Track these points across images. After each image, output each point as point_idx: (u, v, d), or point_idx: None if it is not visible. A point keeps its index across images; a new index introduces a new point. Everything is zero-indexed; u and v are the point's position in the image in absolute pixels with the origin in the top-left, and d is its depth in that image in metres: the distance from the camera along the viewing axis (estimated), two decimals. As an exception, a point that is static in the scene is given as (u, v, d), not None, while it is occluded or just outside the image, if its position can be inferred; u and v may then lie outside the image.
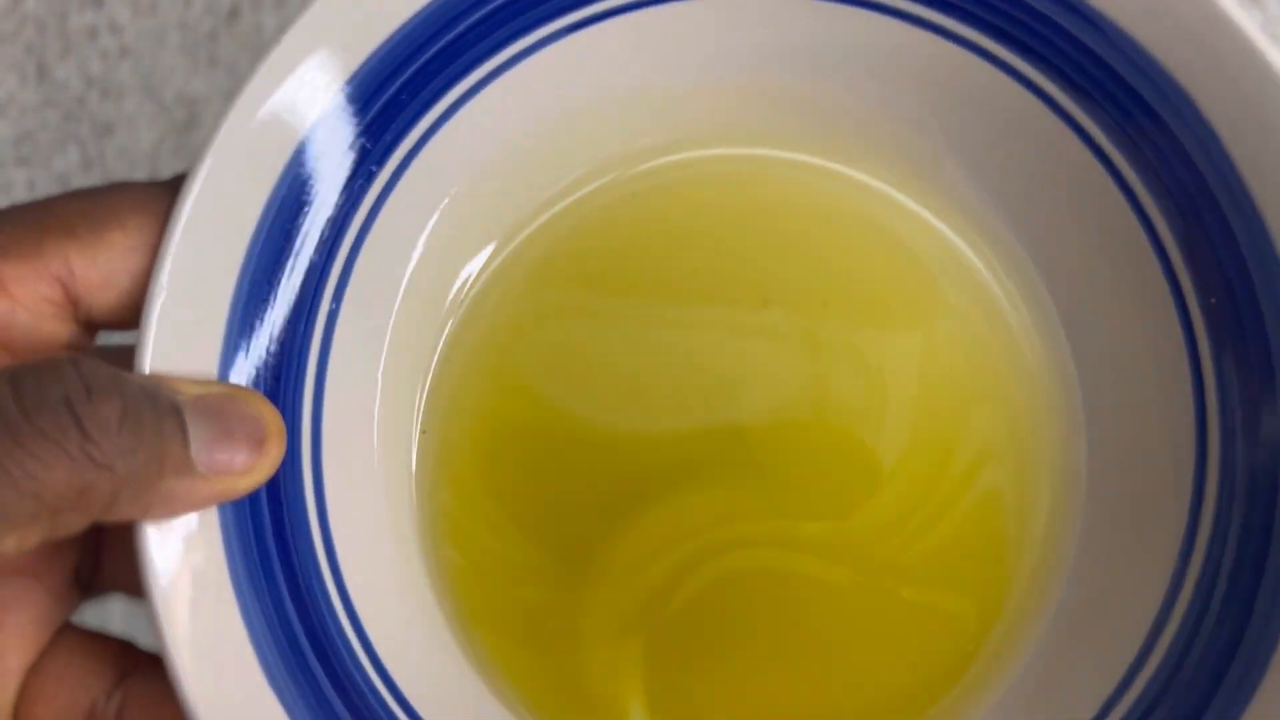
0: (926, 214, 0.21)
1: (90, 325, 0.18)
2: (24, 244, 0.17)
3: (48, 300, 0.17)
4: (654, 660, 0.20)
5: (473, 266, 0.22)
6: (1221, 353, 0.17)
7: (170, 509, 0.17)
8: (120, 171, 0.38)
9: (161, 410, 0.16)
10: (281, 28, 0.18)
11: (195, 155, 0.18)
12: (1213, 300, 0.17)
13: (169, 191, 0.18)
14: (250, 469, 0.17)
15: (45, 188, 0.38)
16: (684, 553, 0.21)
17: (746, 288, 0.21)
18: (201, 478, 0.16)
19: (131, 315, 0.18)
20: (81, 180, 0.38)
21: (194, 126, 0.38)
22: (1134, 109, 0.17)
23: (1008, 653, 0.20)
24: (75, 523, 0.15)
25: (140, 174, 0.38)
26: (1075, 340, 0.20)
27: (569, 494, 0.21)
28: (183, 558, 0.17)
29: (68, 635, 0.19)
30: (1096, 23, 0.17)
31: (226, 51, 0.39)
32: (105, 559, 0.21)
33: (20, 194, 0.38)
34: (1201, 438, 0.18)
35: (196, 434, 0.16)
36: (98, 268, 0.17)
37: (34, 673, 0.18)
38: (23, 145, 0.38)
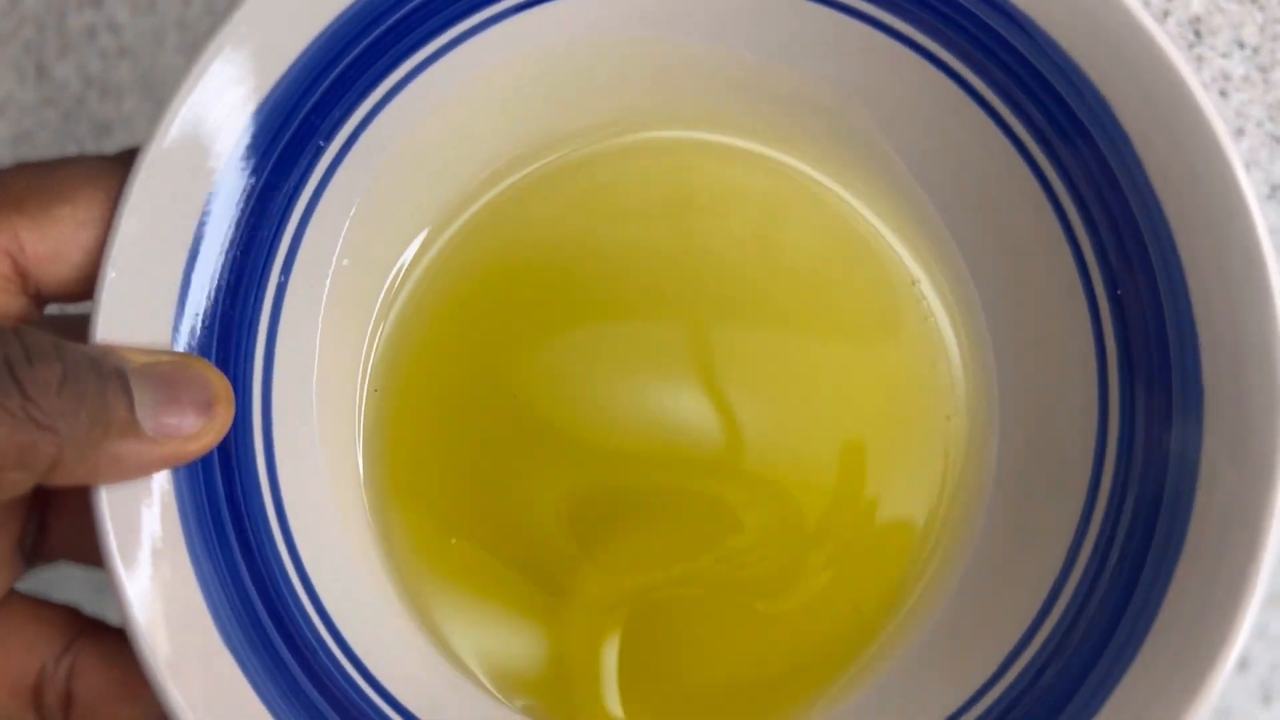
0: (856, 203, 0.22)
1: (40, 299, 0.18)
2: None
3: None
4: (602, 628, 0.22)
5: (414, 243, 0.23)
6: (1125, 344, 0.19)
7: (119, 472, 0.17)
8: (119, 171, 0.38)
9: (105, 375, 0.16)
10: (232, 6, 0.18)
11: (147, 132, 0.18)
12: (1119, 292, 0.19)
13: (119, 165, 0.18)
14: (199, 433, 0.17)
15: (44, 187, 0.38)
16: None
17: (680, 279, 0.22)
18: (149, 440, 0.17)
19: (83, 288, 0.18)
20: (80, 180, 0.38)
21: (193, 126, 0.38)
22: (1059, 114, 0.19)
23: (912, 622, 0.22)
24: (20, 481, 0.16)
25: (139, 173, 0.38)
26: (995, 327, 0.22)
27: (512, 456, 0.22)
28: (138, 522, 0.17)
29: (14, 602, 0.20)
30: (1030, 31, 0.18)
31: (226, 51, 0.39)
32: (52, 527, 0.21)
33: (19, 194, 0.38)
34: (1103, 427, 0.20)
35: (142, 398, 0.17)
36: (47, 242, 0.17)
37: None
38: (21, 145, 0.38)
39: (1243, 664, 0.37)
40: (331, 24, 0.19)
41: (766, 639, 0.22)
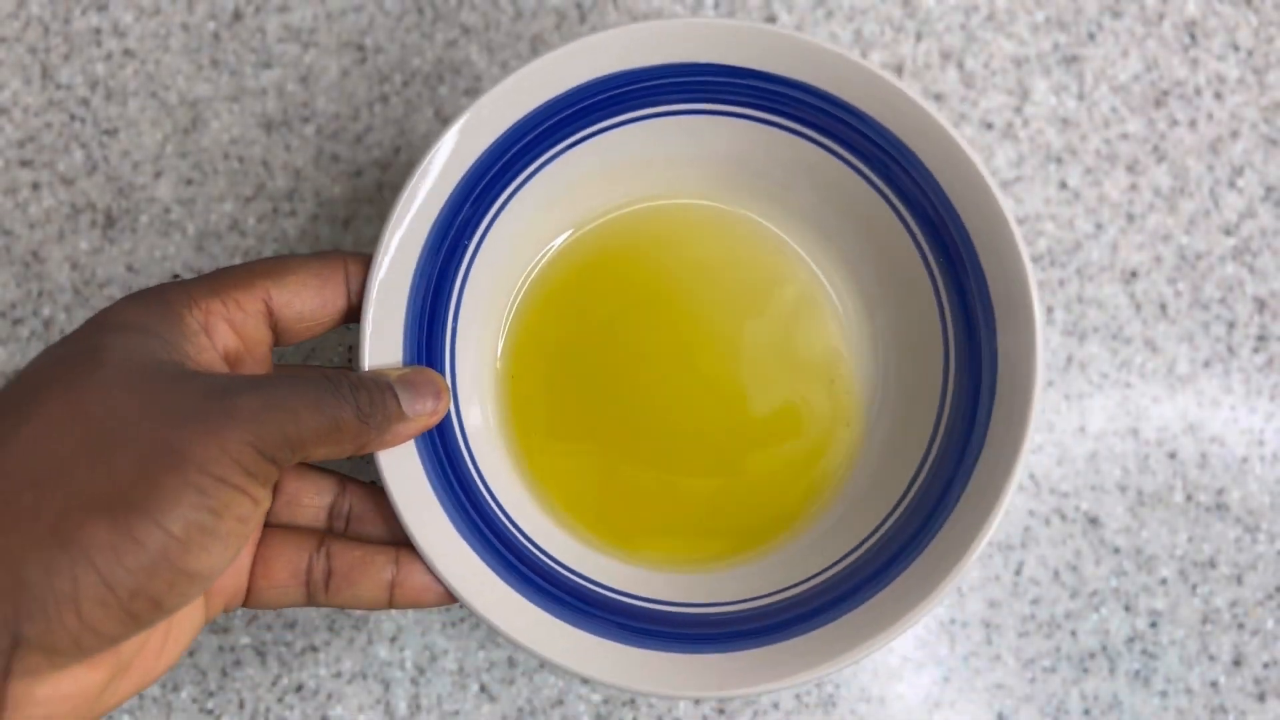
0: (799, 249, 0.37)
1: (276, 330, 0.31)
2: (244, 280, 0.30)
3: (259, 312, 0.31)
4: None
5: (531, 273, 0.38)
6: (950, 293, 0.34)
7: (396, 441, 0.31)
8: (124, 172, 0.38)
9: (383, 389, 0.30)
10: (433, 137, 0.32)
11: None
12: (940, 260, 0.34)
13: (321, 258, 0.32)
14: (435, 411, 0.31)
15: (50, 188, 0.38)
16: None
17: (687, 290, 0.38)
18: (411, 420, 0.31)
19: (302, 327, 0.31)
20: (85, 182, 0.38)
21: (197, 128, 0.39)
22: (906, 177, 0.34)
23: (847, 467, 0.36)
24: (350, 450, 0.29)
25: (144, 175, 0.38)
26: (879, 307, 0.37)
27: (600, 398, 0.36)
28: (401, 465, 0.31)
29: (273, 529, 0.32)
30: (875, 128, 0.34)
31: (229, 53, 0.39)
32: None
33: (26, 194, 0.38)
34: (945, 345, 0.35)
35: (404, 397, 0.31)
36: (284, 295, 0.31)
37: (262, 546, 0.32)
38: (27, 147, 0.38)
39: (1237, 661, 0.37)
40: (489, 147, 0.33)
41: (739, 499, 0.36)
